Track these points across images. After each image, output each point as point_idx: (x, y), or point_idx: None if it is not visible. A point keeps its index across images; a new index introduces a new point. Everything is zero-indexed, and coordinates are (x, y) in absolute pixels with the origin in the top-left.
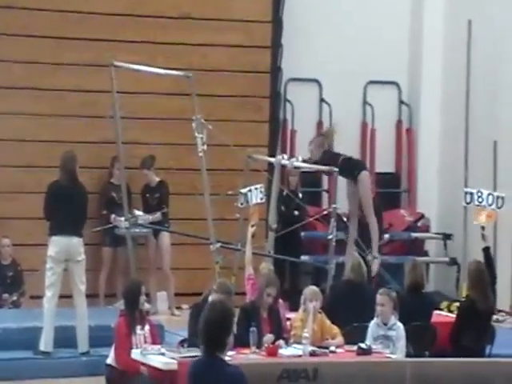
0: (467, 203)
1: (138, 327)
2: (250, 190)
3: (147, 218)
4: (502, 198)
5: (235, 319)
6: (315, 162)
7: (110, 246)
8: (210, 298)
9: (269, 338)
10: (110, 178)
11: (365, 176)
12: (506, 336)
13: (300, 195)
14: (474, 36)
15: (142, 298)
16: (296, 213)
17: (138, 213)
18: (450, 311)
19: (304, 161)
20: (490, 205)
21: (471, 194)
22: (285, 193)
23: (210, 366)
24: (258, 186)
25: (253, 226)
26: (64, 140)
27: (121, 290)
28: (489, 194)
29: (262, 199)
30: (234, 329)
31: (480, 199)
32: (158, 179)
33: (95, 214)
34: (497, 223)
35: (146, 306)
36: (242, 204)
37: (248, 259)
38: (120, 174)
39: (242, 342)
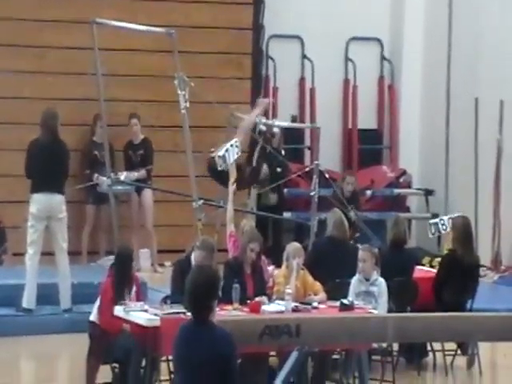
0: (432, 234)
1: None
2: (226, 150)
3: (132, 175)
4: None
5: (221, 283)
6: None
7: (92, 204)
8: (193, 255)
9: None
10: (92, 136)
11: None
12: (487, 291)
13: (283, 152)
14: None
15: (133, 263)
16: (278, 170)
17: (122, 175)
18: (432, 266)
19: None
20: None
21: (435, 224)
22: (267, 150)
23: (197, 329)
24: (232, 142)
25: (233, 183)
26: (45, 97)
27: (104, 247)
28: (449, 218)
29: (237, 154)
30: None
31: (444, 226)
32: (142, 136)
33: (78, 171)
34: (477, 179)
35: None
36: (220, 166)
37: (230, 217)
38: (102, 131)
39: (225, 298)
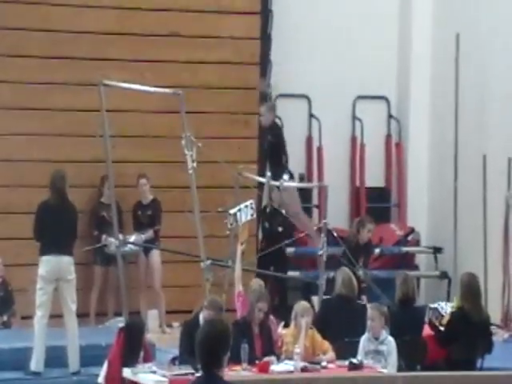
0: (436, 319)
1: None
2: (239, 210)
3: (140, 238)
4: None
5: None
6: (265, 128)
7: (100, 265)
8: (201, 316)
9: None
10: (99, 198)
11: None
12: (497, 349)
13: (283, 211)
14: (462, 49)
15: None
16: (280, 229)
17: (132, 238)
18: (441, 325)
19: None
20: None
21: (435, 308)
22: (268, 210)
23: (208, 383)
24: (247, 203)
25: (242, 243)
26: (54, 159)
27: (112, 309)
28: (446, 304)
29: (252, 215)
30: None
31: (444, 311)
32: (151, 197)
33: (86, 233)
34: (486, 237)
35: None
36: (231, 225)
37: (238, 277)
38: (110, 192)
39: (233, 358)
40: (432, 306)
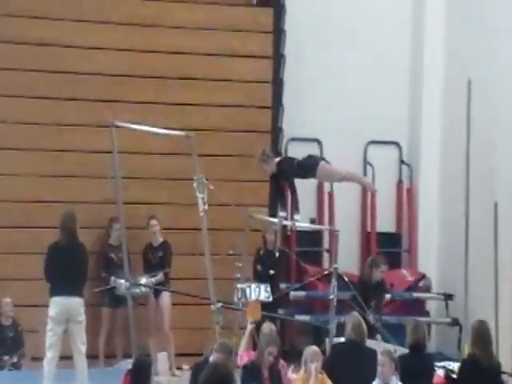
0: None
1: None
2: (248, 286)
3: (150, 281)
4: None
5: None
6: (273, 175)
7: (109, 307)
8: (211, 358)
9: None
10: (107, 239)
11: (322, 167)
12: None
13: (277, 254)
14: (473, 96)
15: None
16: (271, 272)
17: (142, 280)
18: (452, 372)
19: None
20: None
21: (443, 366)
22: (262, 252)
23: None
24: (262, 285)
25: (251, 323)
26: (64, 200)
27: (121, 351)
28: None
29: (267, 298)
30: None
31: (451, 367)
32: (161, 239)
33: (94, 274)
34: (498, 284)
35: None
36: (239, 299)
37: (244, 344)
38: (120, 234)
39: None
40: (439, 364)
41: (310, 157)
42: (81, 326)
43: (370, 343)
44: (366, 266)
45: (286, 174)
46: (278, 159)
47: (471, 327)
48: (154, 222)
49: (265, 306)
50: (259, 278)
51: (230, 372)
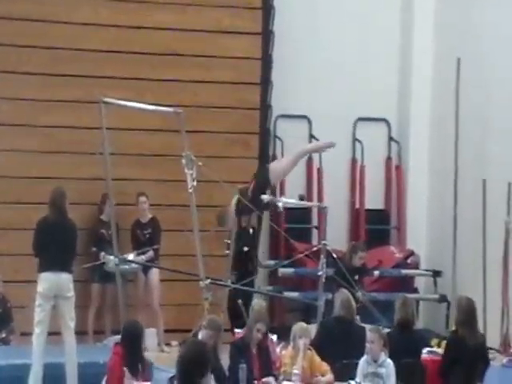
0: None
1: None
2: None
3: (140, 259)
4: None
5: (210, 361)
6: (253, 199)
7: (98, 283)
8: (200, 335)
9: None
10: (99, 215)
11: (271, 170)
12: (496, 374)
13: (251, 231)
14: (462, 74)
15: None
16: (245, 249)
17: (130, 256)
18: (440, 348)
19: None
20: None
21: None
22: (235, 230)
23: None
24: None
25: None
26: (52, 176)
27: (109, 327)
28: None
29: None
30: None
31: None
32: (150, 216)
33: (84, 250)
34: (486, 261)
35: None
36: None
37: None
38: (110, 210)
39: (232, 378)
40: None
41: (258, 173)
42: (70, 301)
43: None
44: (347, 251)
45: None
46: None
47: (457, 304)
48: (143, 198)
49: (241, 281)
50: (234, 255)
51: (205, 350)
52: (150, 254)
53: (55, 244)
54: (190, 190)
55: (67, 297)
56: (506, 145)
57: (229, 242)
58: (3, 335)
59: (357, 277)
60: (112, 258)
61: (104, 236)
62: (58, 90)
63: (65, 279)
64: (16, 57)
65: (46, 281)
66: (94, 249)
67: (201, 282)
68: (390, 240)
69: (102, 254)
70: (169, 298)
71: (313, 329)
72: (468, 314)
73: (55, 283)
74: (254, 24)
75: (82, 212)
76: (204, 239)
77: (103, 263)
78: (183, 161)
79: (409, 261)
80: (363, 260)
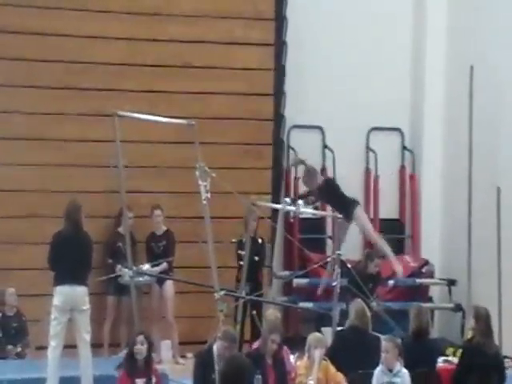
0: None
1: (143, 381)
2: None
3: (154, 271)
4: None
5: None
6: (312, 192)
7: (113, 295)
8: (215, 347)
9: None
10: (116, 228)
11: (359, 211)
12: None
13: (260, 240)
14: (475, 82)
15: (137, 347)
16: (256, 258)
17: (145, 267)
18: (456, 357)
19: (303, 196)
20: None
21: None
22: (243, 239)
23: None
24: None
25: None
26: (67, 190)
27: (125, 339)
28: None
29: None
30: None
31: None
32: (164, 228)
33: (100, 263)
34: (501, 269)
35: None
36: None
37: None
38: (123, 223)
39: None
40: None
41: (347, 197)
42: (85, 314)
43: None
44: (362, 258)
45: (327, 196)
46: (322, 178)
47: (475, 313)
48: (158, 212)
49: (251, 290)
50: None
51: (246, 362)
52: (164, 265)
53: (71, 257)
54: (204, 202)
55: (83, 310)
56: None
57: (242, 252)
58: (18, 349)
59: (371, 285)
60: (127, 270)
61: (120, 249)
62: (71, 102)
63: (80, 292)
64: (27, 70)
65: (62, 294)
66: (110, 261)
67: (215, 294)
68: (404, 249)
69: (119, 266)
70: (183, 309)
71: (327, 333)
72: (486, 322)
73: (71, 296)
74: (266, 35)
75: (96, 225)
76: (218, 251)
77: (118, 276)
78: (197, 172)
79: (423, 270)
80: (378, 268)
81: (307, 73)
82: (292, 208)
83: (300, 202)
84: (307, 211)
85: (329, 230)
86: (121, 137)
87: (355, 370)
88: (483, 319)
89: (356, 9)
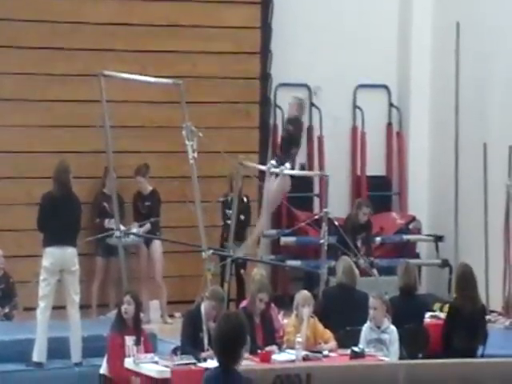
0: None
1: (133, 338)
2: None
3: (138, 231)
4: None
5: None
6: (295, 119)
7: (102, 256)
8: (203, 306)
9: None
10: (102, 188)
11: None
12: (499, 336)
13: (245, 199)
14: (462, 37)
15: (124, 306)
16: (242, 217)
17: (134, 228)
18: (443, 312)
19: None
20: None
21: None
22: (229, 198)
23: (225, 378)
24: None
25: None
26: (54, 150)
27: (113, 300)
28: None
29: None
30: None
31: None
32: (150, 188)
33: (88, 223)
34: (487, 225)
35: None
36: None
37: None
38: (110, 183)
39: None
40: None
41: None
42: (74, 275)
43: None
44: (352, 208)
45: (299, 129)
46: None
47: (455, 271)
48: (139, 178)
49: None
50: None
51: (243, 320)
52: (147, 226)
53: (60, 219)
54: (191, 161)
55: (72, 271)
56: (506, 108)
57: (229, 212)
58: (6, 310)
59: (364, 234)
60: (115, 228)
61: (106, 209)
62: (58, 63)
63: (70, 253)
64: (15, 31)
65: (52, 255)
66: (98, 220)
67: (203, 253)
68: (391, 206)
69: (107, 220)
70: (171, 269)
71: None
72: (463, 280)
73: (60, 258)
74: None
75: (84, 186)
76: (205, 210)
77: (107, 237)
78: (183, 132)
79: (410, 227)
80: (367, 216)
81: (293, 31)
82: (276, 170)
83: (287, 165)
84: (291, 172)
85: (316, 189)
86: (107, 97)
87: (343, 326)
88: (462, 276)
89: None
